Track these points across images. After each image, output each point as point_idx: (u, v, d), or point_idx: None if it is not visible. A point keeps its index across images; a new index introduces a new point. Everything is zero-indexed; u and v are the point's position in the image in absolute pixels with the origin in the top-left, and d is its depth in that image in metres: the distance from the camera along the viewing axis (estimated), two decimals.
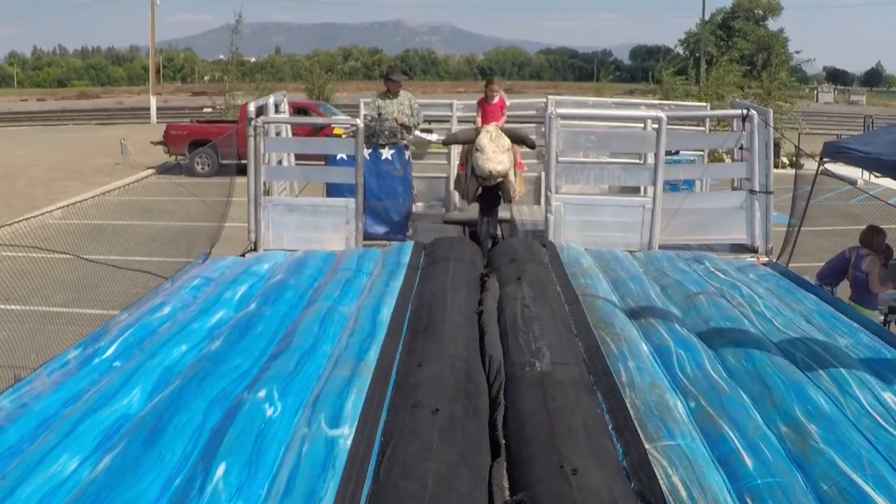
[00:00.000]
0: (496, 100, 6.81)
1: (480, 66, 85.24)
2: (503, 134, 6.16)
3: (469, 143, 6.34)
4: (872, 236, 6.42)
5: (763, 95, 23.58)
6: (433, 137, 7.70)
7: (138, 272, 6.00)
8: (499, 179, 6.11)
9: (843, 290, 6.57)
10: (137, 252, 8.33)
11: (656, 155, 6.08)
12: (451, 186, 7.53)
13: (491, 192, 6.37)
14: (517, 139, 6.42)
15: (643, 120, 7.64)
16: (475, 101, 7.14)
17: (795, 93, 26.94)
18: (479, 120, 6.67)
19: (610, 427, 2.91)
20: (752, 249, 6.33)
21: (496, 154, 5.96)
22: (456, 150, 8.18)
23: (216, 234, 6.89)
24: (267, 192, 6.38)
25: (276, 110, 7.16)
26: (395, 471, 2.51)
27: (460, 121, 8.27)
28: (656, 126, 6.20)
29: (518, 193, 6.70)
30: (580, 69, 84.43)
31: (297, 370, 3.32)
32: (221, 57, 41.39)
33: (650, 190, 6.37)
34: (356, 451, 2.67)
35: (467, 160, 6.52)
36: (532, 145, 6.66)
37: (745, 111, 6.48)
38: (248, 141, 6.17)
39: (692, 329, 3.91)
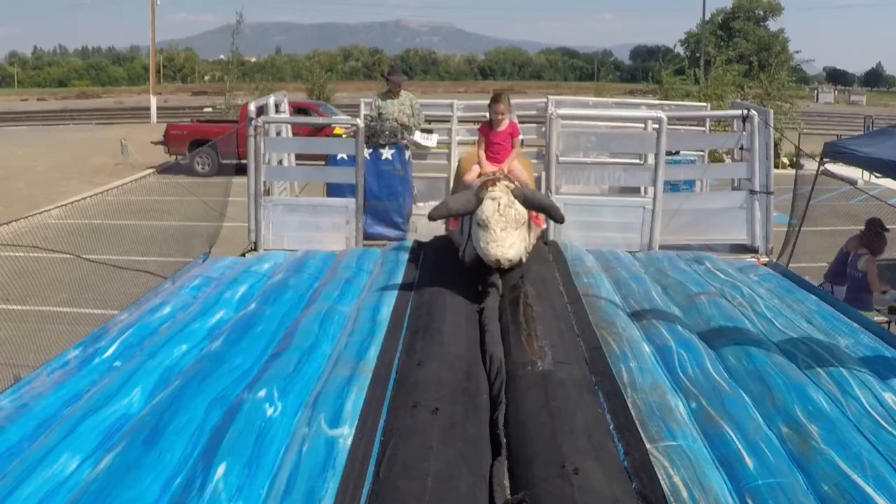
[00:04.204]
0: (504, 126, 5.06)
1: (481, 67, 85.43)
2: (517, 201, 4.33)
3: (466, 215, 4.54)
4: (874, 239, 6.41)
5: (762, 96, 23.58)
6: (432, 142, 7.67)
7: (138, 272, 6.00)
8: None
9: None
10: (137, 252, 8.33)
11: (657, 155, 6.07)
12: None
13: None
14: (538, 210, 4.61)
15: (643, 120, 7.63)
16: (476, 119, 6.06)
17: (795, 93, 26.94)
18: (480, 154, 5.04)
19: (611, 427, 2.91)
20: (752, 250, 6.33)
21: (506, 233, 4.19)
22: (455, 156, 8.06)
23: (215, 233, 6.89)
24: (267, 192, 6.38)
25: (277, 110, 7.16)
26: (396, 470, 2.51)
27: (461, 121, 8.25)
28: (657, 126, 6.20)
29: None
30: (580, 69, 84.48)
31: (297, 370, 3.31)
32: (222, 57, 41.41)
33: (650, 190, 6.37)
34: (356, 451, 2.67)
35: (462, 218, 4.78)
36: (559, 219, 4.64)
37: (745, 111, 6.48)
38: (248, 141, 6.17)
39: (693, 329, 3.91)
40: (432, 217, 4.69)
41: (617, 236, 6.00)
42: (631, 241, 6.01)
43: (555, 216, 4.59)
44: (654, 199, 6.07)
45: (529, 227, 4.69)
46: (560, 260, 5.18)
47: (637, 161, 7.83)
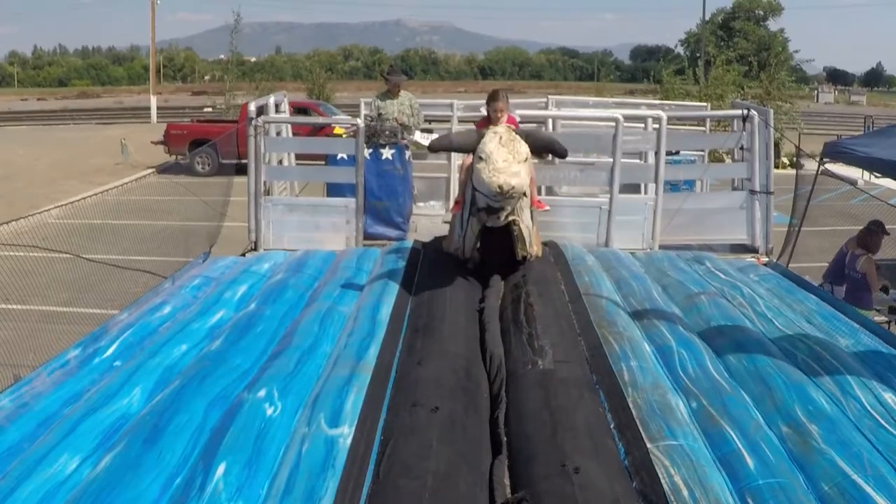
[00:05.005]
0: (503, 123, 4.99)
1: (481, 66, 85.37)
2: (518, 137, 4.27)
3: (468, 152, 4.50)
4: (869, 237, 6.42)
5: (762, 96, 23.59)
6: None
7: (138, 271, 6.00)
8: (512, 200, 4.18)
9: None
10: (137, 251, 8.32)
11: (614, 155, 6.03)
12: (445, 244, 5.16)
13: (499, 243, 4.49)
14: (541, 146, 4.52)
15: (602, 121, 7.51)
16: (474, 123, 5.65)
17: (795, 93, 26.96)
18: None
19: (612, 426, 2.91)
20: (752, 250, 6.33)
21: (508, 163, 4.07)
22: (456, 159, 8.00)
23: (215, 233, 6.89)
24: (267, 192, 6.38)
25: (277, 110, 7.17)
26: (395, 470, 2.51)
27: (461, 121, 8.25)
28: (656, 126, 6.20)
29: (536, 250, 4.85)
30: (580, 69, 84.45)
31: (296, 370, 3.31)
32: (222, 56, 41.43)
33: (651, 188, 6.37)
34: (356, 451, 2.67)
35: (464, 197, 4.65)
36: (562, 153, 4.56)
37: (745, 111, 6.48)
38: (248, 140, 6.17)
39: (694, 329, 3.91)
40: (433, 148, 4.93)
41: (574, 236, 5.96)
42: (588, 242, 5.96)
43: (558, 151, 4.54)
44: (611, 200, 6.05)
45: (532, 214, 4.68)
46: (561, 259, 5.18)
47: (633, 160, 7.80)
